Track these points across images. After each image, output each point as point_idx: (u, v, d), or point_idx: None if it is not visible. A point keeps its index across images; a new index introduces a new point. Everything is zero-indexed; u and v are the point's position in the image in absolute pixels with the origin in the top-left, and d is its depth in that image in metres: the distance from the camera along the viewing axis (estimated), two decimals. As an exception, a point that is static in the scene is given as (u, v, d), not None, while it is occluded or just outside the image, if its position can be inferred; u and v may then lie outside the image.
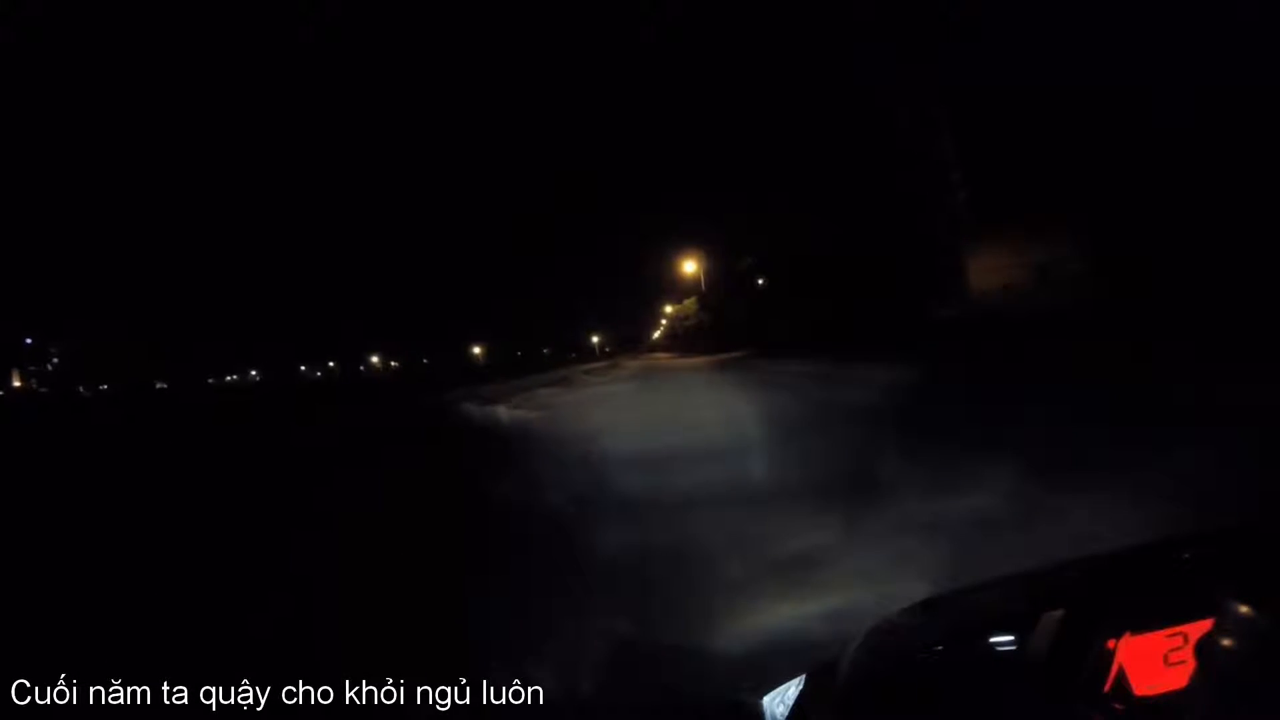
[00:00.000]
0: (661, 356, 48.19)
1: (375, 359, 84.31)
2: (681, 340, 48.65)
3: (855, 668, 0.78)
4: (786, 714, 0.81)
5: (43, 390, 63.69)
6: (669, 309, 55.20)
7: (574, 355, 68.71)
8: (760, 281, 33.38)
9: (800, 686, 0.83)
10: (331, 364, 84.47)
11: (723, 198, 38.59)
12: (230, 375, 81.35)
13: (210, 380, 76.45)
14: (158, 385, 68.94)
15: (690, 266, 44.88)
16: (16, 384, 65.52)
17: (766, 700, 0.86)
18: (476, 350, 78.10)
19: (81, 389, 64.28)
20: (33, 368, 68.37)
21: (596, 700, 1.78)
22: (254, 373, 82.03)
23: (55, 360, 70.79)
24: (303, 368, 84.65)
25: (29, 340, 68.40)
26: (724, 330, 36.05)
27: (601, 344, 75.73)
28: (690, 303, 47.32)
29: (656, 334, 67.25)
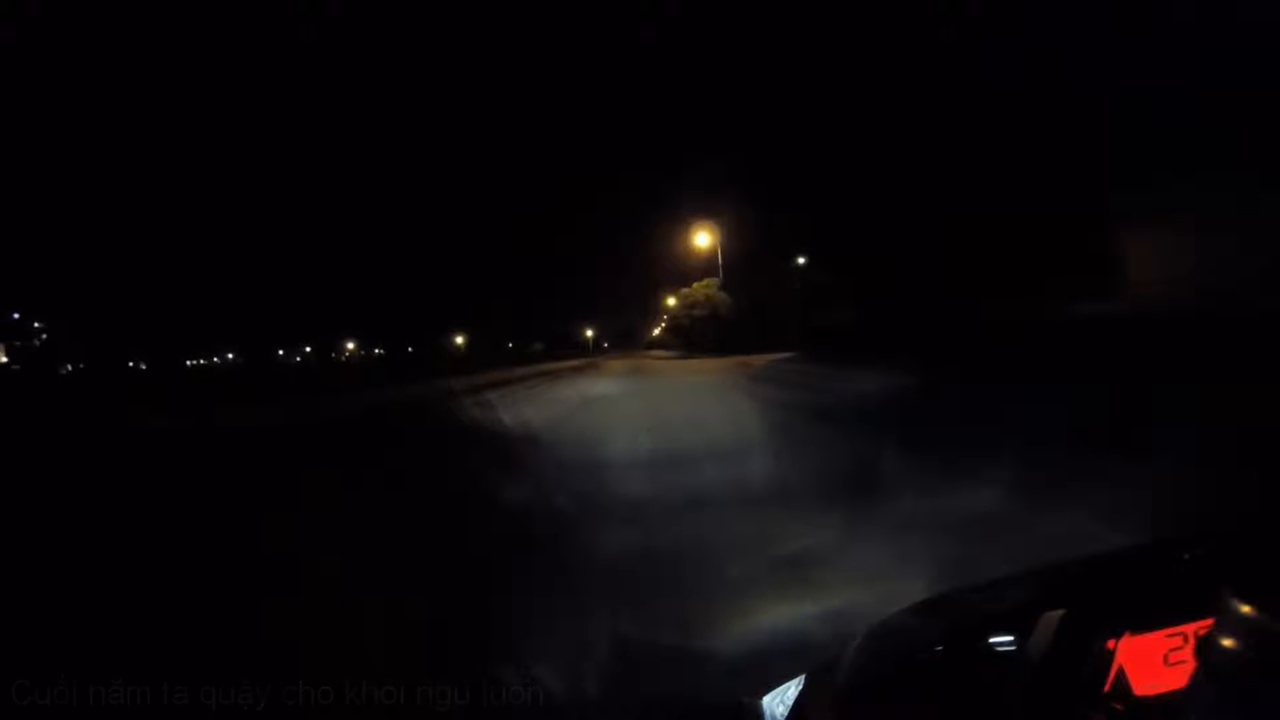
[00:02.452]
0: (659, 355, 41.72)
1: (351, 345, 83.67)
2: (687, 334, 39.23)
3: (855, 668, 0.78)
4: (786, 714, 0.80)
5: (15, 367, 61.16)
6: (671, 300, 44.07)
7: (568, 349, 67.91)
8: (800, 260, 28.19)
9: (800, 686, 0.83)
10: (309, 349, 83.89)
11: (753, 178, 32.59)
12: (213, 358, 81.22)
13: (188, 362, 76.14)
14: (140, 365, 67.90)
15: (704, 239, 36.59)
16: (3, 359, 64.09)
17: (766, 700, 0.86)
18: (460, 340, 77.44)
19: (69, 367, 62.97)
20: (19, 343, 67.17)
21: (597, 700, 1.78)
22: (230, 355, 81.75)
23: (44, 336, 69.72)
24: (280, 351, 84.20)
25: (15, 315, 67.42)
26: (764, 323, 29.06)
27: (597, 338, 74.71)
28: (701, 285, 37.36)
29: (657, 330, 60.28)
